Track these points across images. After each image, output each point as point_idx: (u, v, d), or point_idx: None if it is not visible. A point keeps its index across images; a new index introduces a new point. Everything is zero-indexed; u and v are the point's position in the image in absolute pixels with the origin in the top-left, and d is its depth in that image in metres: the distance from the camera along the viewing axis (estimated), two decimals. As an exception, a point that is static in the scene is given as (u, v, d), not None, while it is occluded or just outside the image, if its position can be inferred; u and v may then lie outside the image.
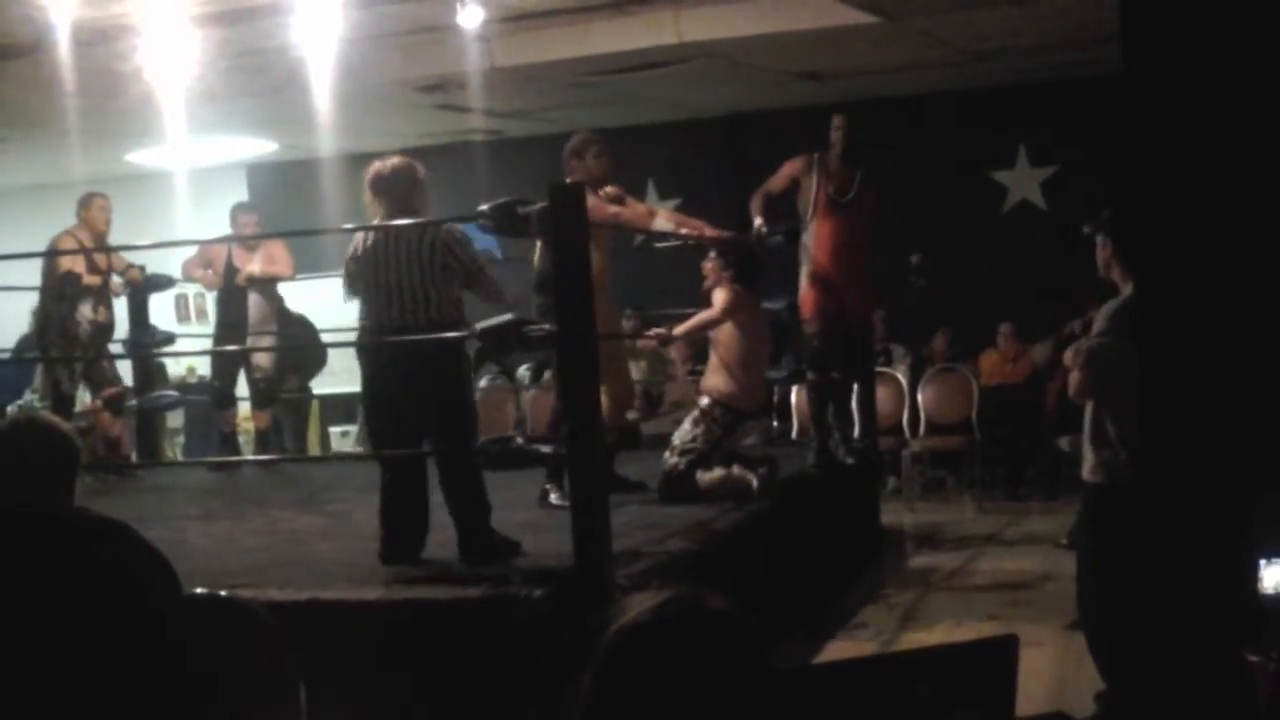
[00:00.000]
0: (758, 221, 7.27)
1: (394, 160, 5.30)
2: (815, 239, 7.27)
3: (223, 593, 3.45)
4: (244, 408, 8.98)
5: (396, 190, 5.18)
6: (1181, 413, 4.12)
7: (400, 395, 5.01)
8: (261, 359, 8.66)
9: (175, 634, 3.02)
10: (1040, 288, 10.08)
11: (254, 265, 8.46)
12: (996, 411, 9.69)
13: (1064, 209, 10.47)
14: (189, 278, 8.81)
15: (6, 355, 10.17)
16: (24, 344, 11.61)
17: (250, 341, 8.48)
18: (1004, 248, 10.83)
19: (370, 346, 5.17)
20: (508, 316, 5.23)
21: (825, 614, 6.39)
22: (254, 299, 8.51)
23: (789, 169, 7.35)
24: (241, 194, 12.26)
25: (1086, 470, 4.94)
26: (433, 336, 4.93)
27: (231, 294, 8.53)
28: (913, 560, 7.98)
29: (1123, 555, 4.74)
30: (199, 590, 3.38)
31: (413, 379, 4.96)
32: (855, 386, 7.84)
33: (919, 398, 9.92)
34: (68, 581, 2.96)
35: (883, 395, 9.05)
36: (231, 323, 8.54)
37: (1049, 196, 11.01)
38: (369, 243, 5.13)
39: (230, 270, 8.47)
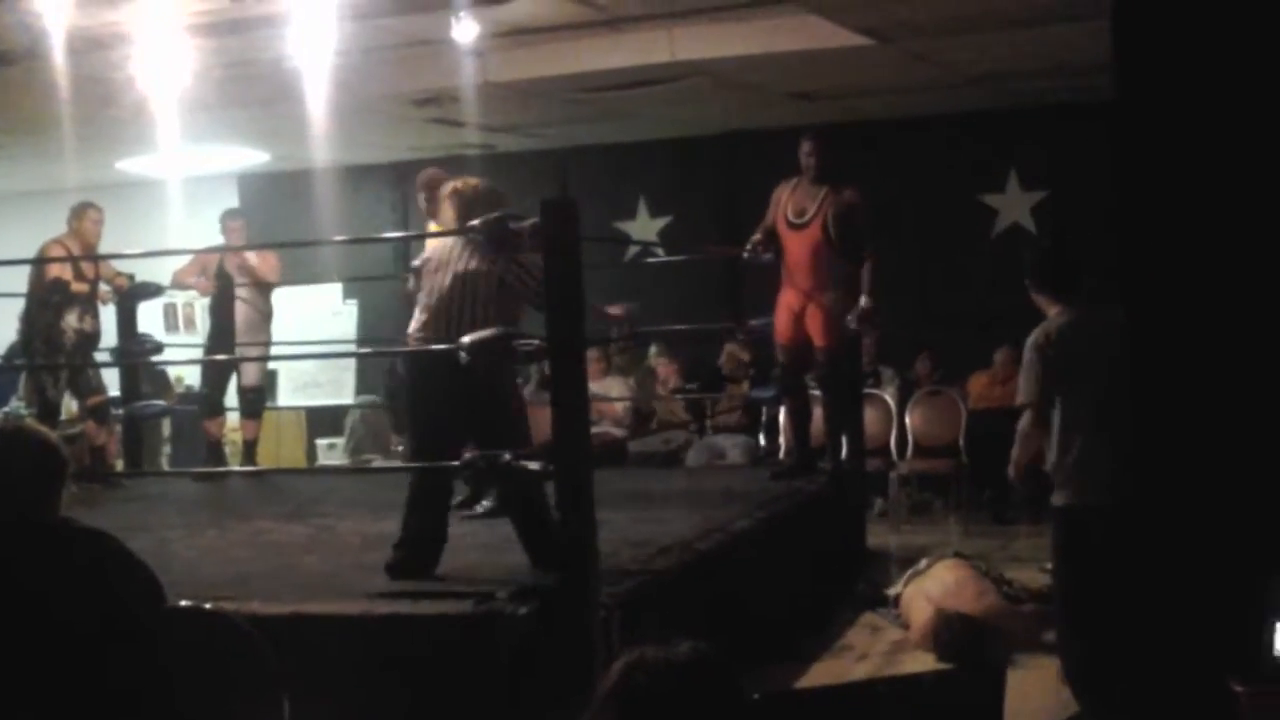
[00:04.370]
0: (755, 238, 7.33)
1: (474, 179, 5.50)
2: (782, 261, 7.29)
3: (207, 605, 3.44)
4: (233, 418, 8.96)
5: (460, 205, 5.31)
6: (1172, 436, 4.13)
7: (445, 409, 5.06)
8: (249, 369, 8.64)
9: (158, 644, 3.01)
10: (1030, 312, 10.08)
11: (249, 257, 8.44)
12: (984, 435, 9.68)
13: (1055, 232, 10.50)
14: (181, 285, 8.78)
15: (-1, 362, 10.15)
16: (12, 352, 11.58)
17: (238, 351, 8.46)
18: (994, 271, 10.83)
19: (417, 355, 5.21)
20: (497, 329, 5.23)
21: (810, 636, 6.38)
22: (241, 308, 8.48)
23: (774, 197, 7.37)
24: (233, 203, 12.26)
25: (1054, 496, 5.05)
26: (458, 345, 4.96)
27: (222, 301, 8.52)
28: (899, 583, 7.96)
29: (1091, 580, 4.80)
30: (183, 602, 3.37)
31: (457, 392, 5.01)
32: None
33: (907, 420, 9.93)
34: (52, 590, 2.95)
35: (870, 417, 9.05)
36: (222, 330, 8.52)
37: (1040, 221, 11.02)
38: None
39: (223, 277, 8.46)
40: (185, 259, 8.70)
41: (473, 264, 5.08)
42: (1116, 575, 4.47)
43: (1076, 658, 4.92)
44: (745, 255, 7.44)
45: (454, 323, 5.04)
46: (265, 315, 8.66)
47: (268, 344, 8.76)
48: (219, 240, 8.82)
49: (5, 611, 2.88)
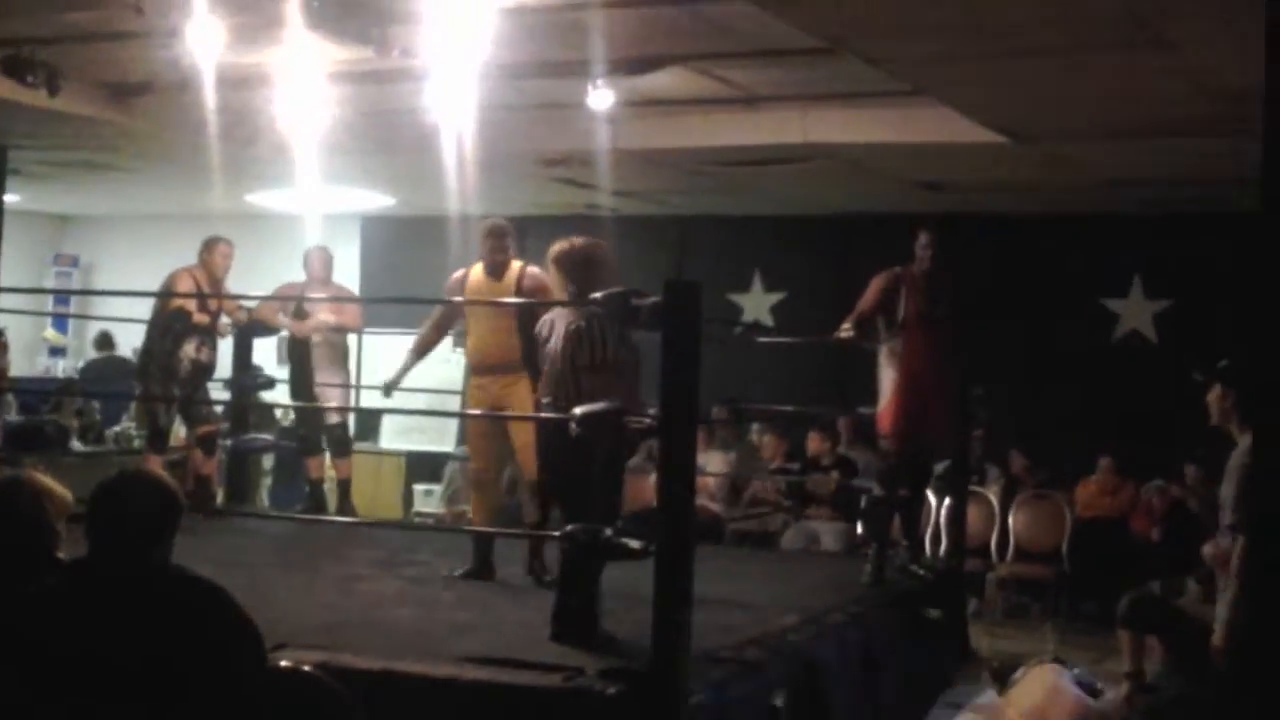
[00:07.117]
0: (847, 329, 7.19)
1: (578, 239, 5.60)
2: (904, 354, 7.06)
3: (305, 668, 3.44)
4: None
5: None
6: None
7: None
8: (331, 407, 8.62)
9: (258, 705, 3.00)
10: (1143, 422, 9.89)
11: (323, 314, 8.46)
12: (1090, 544, 9.45)
13: (1176, 344, 10.30)
14: (264, 320, 8.73)
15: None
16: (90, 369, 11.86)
17: (318, 390, 8.46)
18: (1109, 377, 10.64)
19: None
20: (609, 404, 5.22)
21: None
22: (318, 348, 8.50)
23: (877, 285, 7.15)
24: (355, 242, 12.44)
25: None
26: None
27: (299, 341, 8.54)
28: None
29: None
30: (283, 662, 3.37)
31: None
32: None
33: (1009, 521, 9.73)
34: (158, 639, 2.96)
35: (973, 515, 8.88)
36: (301, 371, 8.52)
37: (1161, 330, 10.81)
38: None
39: (301, 314, 8.49)
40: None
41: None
42: None
43: None
44: (863, 343, 7.27)
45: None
46: (343, 352, 8.68)
47: (346, 384, 8.77)
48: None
49: (113, 655, 2.90)
